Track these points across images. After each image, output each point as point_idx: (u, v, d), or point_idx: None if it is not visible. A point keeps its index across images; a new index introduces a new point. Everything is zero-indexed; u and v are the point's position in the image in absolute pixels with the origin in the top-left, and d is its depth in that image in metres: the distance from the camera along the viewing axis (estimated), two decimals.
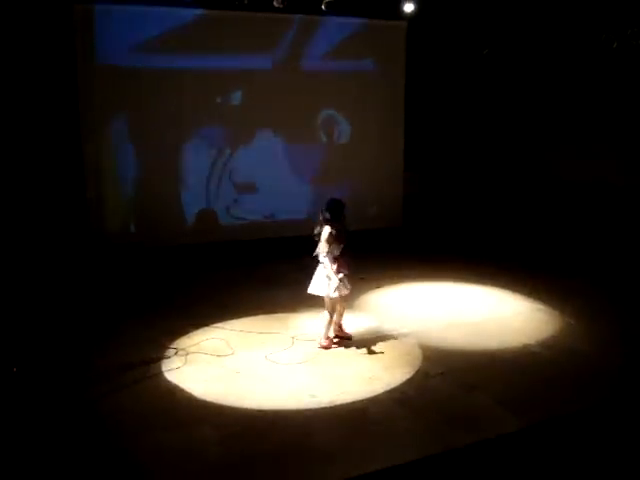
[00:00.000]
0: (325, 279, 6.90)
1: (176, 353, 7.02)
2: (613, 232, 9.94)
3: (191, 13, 10.45)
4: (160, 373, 6.53)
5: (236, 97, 11.07)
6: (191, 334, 7.61)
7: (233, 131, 11.13)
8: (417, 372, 6.56)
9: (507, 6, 10.92)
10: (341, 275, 6.90)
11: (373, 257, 11.21)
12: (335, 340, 7.26)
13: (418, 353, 7.07)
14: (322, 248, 6.88)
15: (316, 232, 6.95)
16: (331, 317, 7.11)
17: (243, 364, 6.77)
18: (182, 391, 6.15)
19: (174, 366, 6.68)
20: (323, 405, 5.85)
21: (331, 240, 6.85)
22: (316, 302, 8.12)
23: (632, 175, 9.58)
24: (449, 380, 6.39)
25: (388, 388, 6.20)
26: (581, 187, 10.39)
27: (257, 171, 11.30)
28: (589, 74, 10.20)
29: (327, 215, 6.91)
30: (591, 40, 9.81)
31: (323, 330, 7.13)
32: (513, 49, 11.32)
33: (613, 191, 9.84)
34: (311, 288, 7.04)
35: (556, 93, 10.77)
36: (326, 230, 6.85)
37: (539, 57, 10.94)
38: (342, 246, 7.00)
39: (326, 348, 7.10)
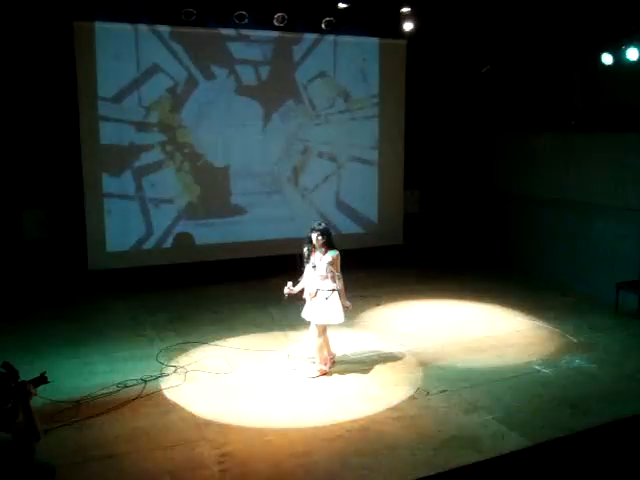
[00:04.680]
0: (338, 305, 6.80)
1: (175, 371, 6.99)
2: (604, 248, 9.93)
3: (191, 31, 10.49)
4: (159, 391, 6.51)
5: (233, 111, 11.06)
6: (190, 352, 7.59)
7: (230, 145, 11.13)
8: (417, 390, 6.53)
9: (506, 24, 10.99)
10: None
11: (374, 275, 11.23)
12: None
13: (418, 371, 7.04)
14: (338, 275, 6.80)
15: (307, 253, 6.84)
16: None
17: (242, 382, 6.74)
18: (181, 409, 6.12)
19: (173, 384, 6.66)
20: (323, 423, 5.82)
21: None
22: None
23: None
24: (450, 399, 6.35)
25: (388, 406, 6.17)
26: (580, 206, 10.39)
27: (255, 189, 11.31)
28: (587, 91, 10.26)
29: (325, 239, 6.75)
30: (589, 57, 9.87)
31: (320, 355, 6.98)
32: (512, 67, 11.37)
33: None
34: (337, 318, 6.81)
35: (555, 111, 10.81)
36: (335, 254, 6.75)
37: (538, 75, 10.99)
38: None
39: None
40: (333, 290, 6.76)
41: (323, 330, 6.89)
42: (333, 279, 6.76)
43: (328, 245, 6.75)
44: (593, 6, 9.59)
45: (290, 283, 6.83)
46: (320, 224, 6.82)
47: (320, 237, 6.70)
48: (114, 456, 5.25)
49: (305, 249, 6.86)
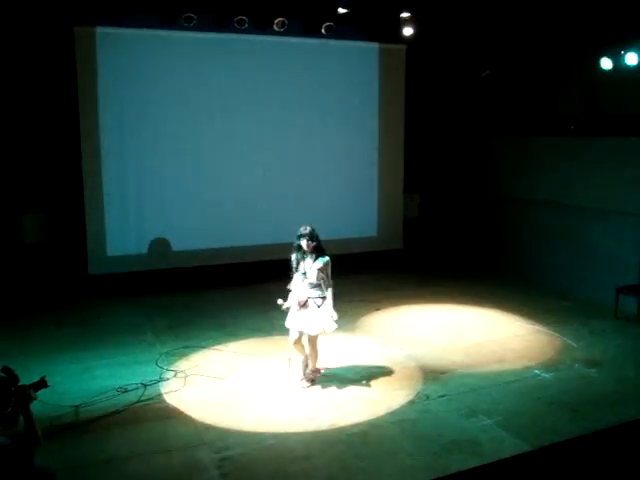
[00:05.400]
0: (328, 313, 6.58)
1: (175, 375, 6.99)
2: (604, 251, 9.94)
3: (191, 36, 10.50)
4: (159, 395, 6.51)
5: (233, 115, 11.08)
6: (190, 356, 7.60)
7: (231, 148, 11.14)
8: (417, 395, 6.53)
9: (506, 29, 11.02)
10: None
11: (374, 279, 11.24)
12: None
13: (418, 376, 7.04)
14: (329, 281, 6.59)
15: (295, 260, 6.58)
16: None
17: (242, 387, 6.75)
18: (181, 414, 6.12)
19: (173, 388, 6.66)
20: (323, 428, 5.82)
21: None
22: None
23: None
24: (450, 403, 6.35)
25: (388, 411, 6.17)
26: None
27: (255, 193, 11.32)
28: (586, 96, 10.28)
29: (316, 243, 6.52)
30: (587, 62, 9.89)
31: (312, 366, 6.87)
32: (512, 71, 11.40)
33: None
34: (331, 325, 6.56)
35: (554, 115, 10.83)
36: (326, 260, 6.55)
37: (537, 79, 11.02)
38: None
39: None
40: (324, 297, 6.50)
41: (316, 339, 6.70)
42: (324, 286, 6.50)
43: (318, 250, 6.50)
44: (592, 11, 9.64)
45: (280, 300, 6.53)
46: (306, 228, 6.48)
47: (310, 242, 6.43)
48: (114, 461, 5.25)
49: (294, 257, 6.59)
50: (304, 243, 6.43)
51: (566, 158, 10.57)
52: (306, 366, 6.84)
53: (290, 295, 6.60)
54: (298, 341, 6.67)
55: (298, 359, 6.89)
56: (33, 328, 8.59)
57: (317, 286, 6.48)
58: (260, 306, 9.40)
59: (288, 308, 6.58)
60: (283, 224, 11.29)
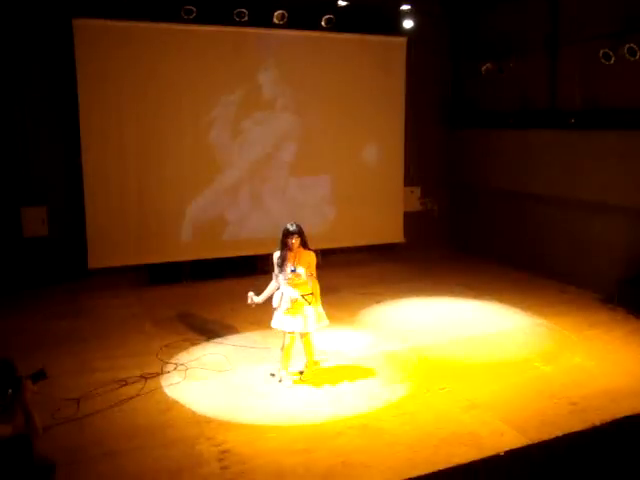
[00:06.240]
0: (320, 307, 6.57)
1: (175, 368, 7.00)
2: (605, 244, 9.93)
3: (191, 29, 10.46)
4: (159, 388, 6.52)
5: (232, 107, 11.02)
6: (190, 349, 7.60)
7: (230, 139, 11.12)
8: (418, 387, 6.53)
9: (507, 23, 11.00)
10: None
11: (374, 273, 11.24)
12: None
13: (418, 368, 7.05)
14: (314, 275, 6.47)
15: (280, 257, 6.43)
16: None
17: (243, 379, 6.75)
18: (181, 406, 6.13)
19: (174, 381, 6.67)
20: (323, 421, 5.82)
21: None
22: None
23: None
24: (450, 396, 6.36)
25: (388, 403, 6.17)
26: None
27: (256, 186, 11.32)
28: (586, 89, 10.26)
29: (303, 239, 6.43)
30: (588, 55, 9.86)
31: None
32: (512, 66, 11.36)
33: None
34: (324, 320, 6.58)
35: (554, 108, 10.81)
36: (313, 255, 6.48)
37: (537, 71, 10.99)
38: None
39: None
40: (312, 294, 6.42)
41: (310, 335, 6.63)
42: (309, 282, 6.41)
43: (304, 245, 6.42)
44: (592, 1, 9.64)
45: (251, 293, 6.48)
46: (293, 225, 6.38)
47: (298, 239, 6.34)
48: (114, 453, 5.26)
49: (279, 254, 6.43)
50: (292, 240, 6.32)
51: (565, 151, 10.55)
52: (288, 364, 6.70)
53: (276, 295, 6.50)
54: (293, 342, 6.55)
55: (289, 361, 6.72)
56: (33, 321, 8.60)
57: (305, 283, 6.40)
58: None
59: (254, 304, 6.48)
60: (283, 216, 11.33)
